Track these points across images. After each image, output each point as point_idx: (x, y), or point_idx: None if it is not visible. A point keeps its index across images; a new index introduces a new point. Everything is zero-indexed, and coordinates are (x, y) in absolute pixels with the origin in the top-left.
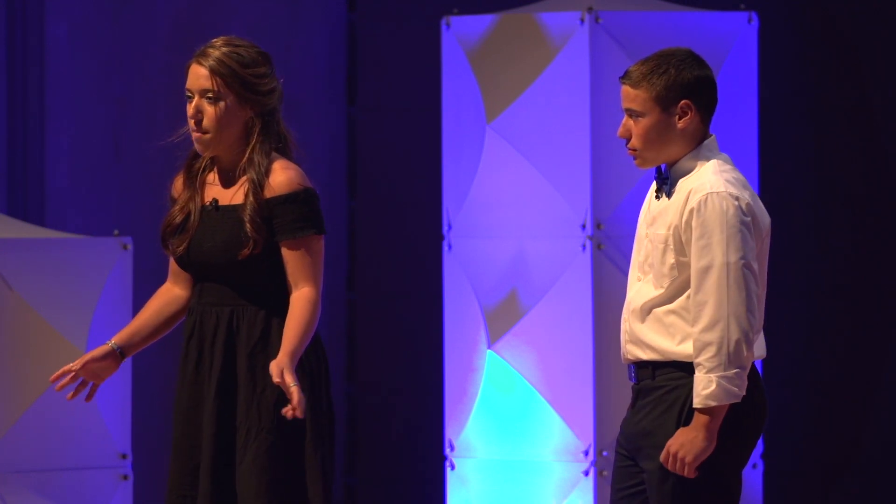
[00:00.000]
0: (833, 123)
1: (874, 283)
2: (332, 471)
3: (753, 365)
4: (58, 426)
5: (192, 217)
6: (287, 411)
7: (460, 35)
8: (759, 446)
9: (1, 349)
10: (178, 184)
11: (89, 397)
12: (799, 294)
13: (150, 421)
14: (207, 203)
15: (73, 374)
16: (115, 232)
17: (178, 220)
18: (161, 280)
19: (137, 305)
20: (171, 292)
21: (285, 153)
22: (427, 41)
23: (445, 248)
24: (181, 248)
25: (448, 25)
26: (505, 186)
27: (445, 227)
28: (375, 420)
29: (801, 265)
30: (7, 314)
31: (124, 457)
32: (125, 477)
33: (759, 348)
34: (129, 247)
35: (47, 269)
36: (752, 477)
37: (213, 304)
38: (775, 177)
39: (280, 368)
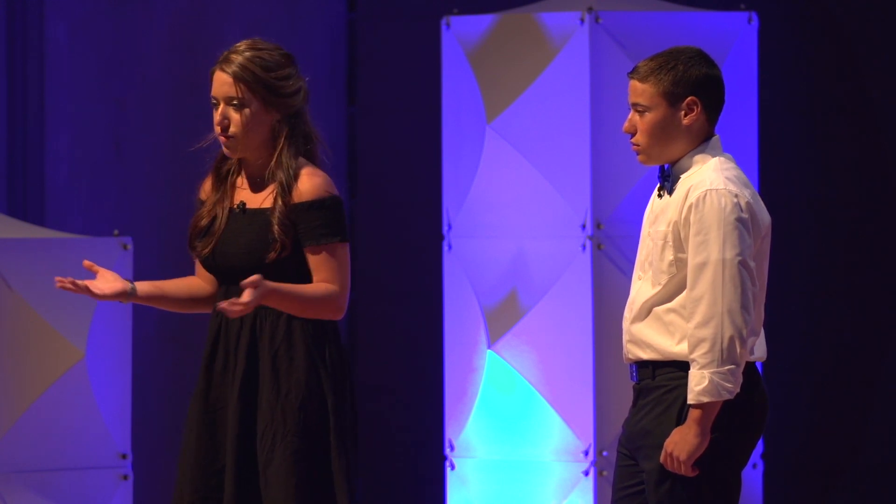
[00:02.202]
0: (833, 123)
1: (874, 282)
2: (355, 473)
3: (754, 365)
4: (58, 426)
5: (220, 220)
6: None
7: (460, 35)
8: (759, 446)
9: (1, 349)
10: (207, 186)
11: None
12: (799, 294)
13: (150, 421)
14: (235, 206)
15: (78, 288)
16: (115, 232)
17: (204, 222)
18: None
19: (137, 305)
20: (198, 283)
21: (313, 154)
22: (427, 41)
23: (445, 248)
24: (206, 250)
25: (448, 25)
26: (505, 186)
27: (445, 227)
28: (375, 420)
29: (801, 265)
30: (7, 314)
31: (124, 457)
32: (125, 477)
33: (760, 349)
34: (129, 247)
35: (47, 269)
36: (752, 477)
37: None
38: (775, 176)
39: (256, 282)
